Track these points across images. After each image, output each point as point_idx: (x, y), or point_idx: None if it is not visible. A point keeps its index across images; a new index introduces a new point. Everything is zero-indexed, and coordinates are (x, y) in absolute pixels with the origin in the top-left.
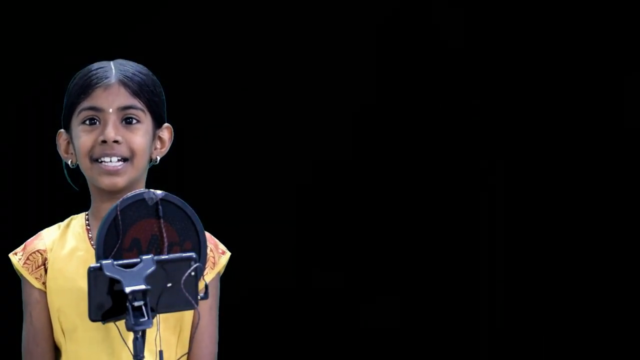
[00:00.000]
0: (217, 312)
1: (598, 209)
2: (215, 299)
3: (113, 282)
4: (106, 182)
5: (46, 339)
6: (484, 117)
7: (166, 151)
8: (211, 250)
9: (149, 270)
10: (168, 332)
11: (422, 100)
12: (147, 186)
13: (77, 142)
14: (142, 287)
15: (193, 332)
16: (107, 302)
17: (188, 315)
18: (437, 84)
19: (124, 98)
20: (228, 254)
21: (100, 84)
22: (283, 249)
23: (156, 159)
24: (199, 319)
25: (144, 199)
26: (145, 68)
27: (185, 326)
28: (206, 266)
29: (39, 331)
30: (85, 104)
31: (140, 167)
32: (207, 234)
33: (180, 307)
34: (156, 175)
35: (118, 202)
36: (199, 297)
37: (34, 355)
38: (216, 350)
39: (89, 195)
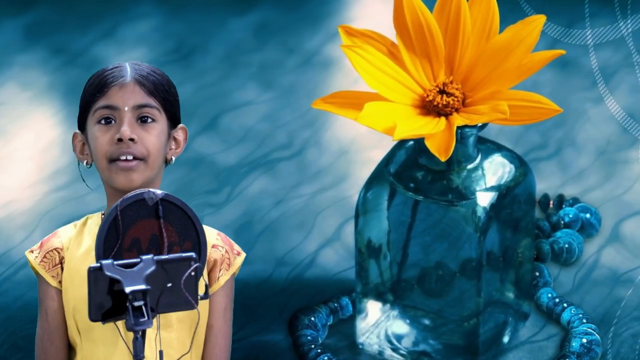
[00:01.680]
0: (232, 313)
1: None
2: (230, 300)
3: (113, 282)
4: (122, 179)
5: (61, 337)
6: None
7: (181, 152)
8: (227, 252)
9: (149, 270)
10: (184, 333)
11: None
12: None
13: (93, 143)
14: (142, 287)
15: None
16: (107, 302)
17: (202, 316)
18: None
19: (140, 96)
20: (243, 254)
21: (115, 83)
22: None
23: (171, 159)
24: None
25: (144, 199)
26: (160, 70)
27: (200, 327)
28: (221, 267)
29: (55, 329)
30: (101, 102)
31: (156, 166)
32: (222, 235)
33: (180, 307)
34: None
35: (118, 202)
36: (199, 297)
37: (48, 353)
38: (230, 350)
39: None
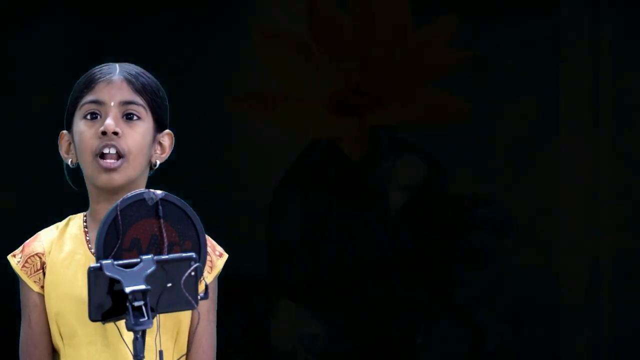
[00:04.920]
0: (215, 315)
1: None
2: (213, 302)
3: (113, 282)
4: (104, 178)
5: (45, 343)
6: None
7: (166, 157)
8: (209, 254)
9: (149, 270)
10: (165, 337)
11: None
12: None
13: (78, 138)
14: (142, 287)
15: (192, 335)
16: (107, 302)
17: (185, 320)
18: None
19: (126, 93)
20: (225, 255)
21: (103, 79)
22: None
23: (156, 163)
24: (198, 320)
25: (144, 199)
26: (151, 74)
27: (183, 331)
28: (204, 269)
29: (38, 334)
30: (88, 97)
31: (138, 166)
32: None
33: (180, 307)
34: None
35: (118, 202)
36: (199, 297)
37: (32, 357)
38: (214, 353)
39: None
